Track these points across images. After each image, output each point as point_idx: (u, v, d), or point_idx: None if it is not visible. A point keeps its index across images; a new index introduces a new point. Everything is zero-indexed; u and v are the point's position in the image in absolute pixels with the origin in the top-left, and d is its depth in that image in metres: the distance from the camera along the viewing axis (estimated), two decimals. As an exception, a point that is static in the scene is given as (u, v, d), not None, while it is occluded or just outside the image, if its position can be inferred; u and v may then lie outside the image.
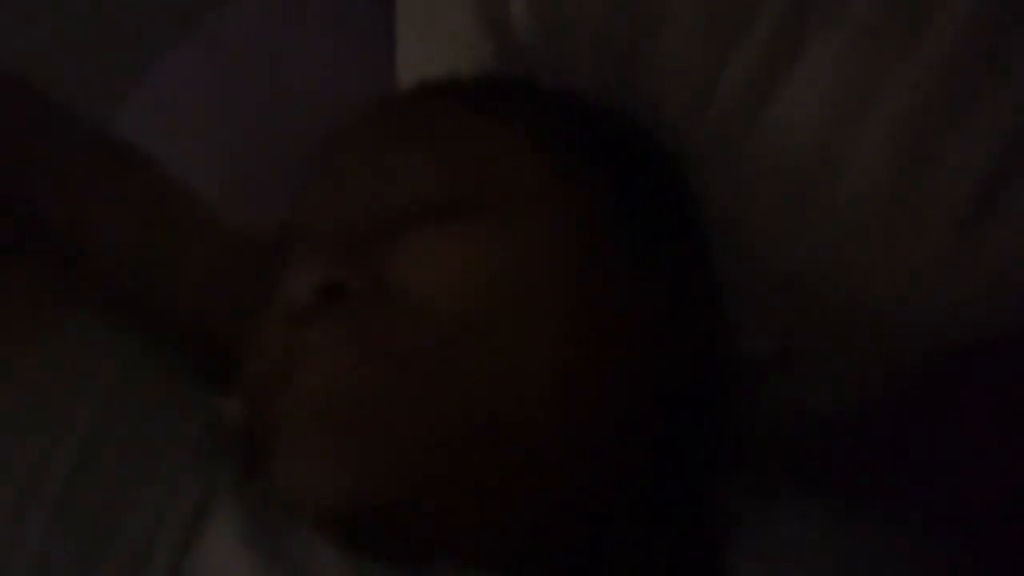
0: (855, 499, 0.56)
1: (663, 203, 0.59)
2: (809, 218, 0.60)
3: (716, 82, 0.62)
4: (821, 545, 0.52)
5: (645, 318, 0.54)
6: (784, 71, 0.60)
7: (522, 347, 0.49)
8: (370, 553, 0.48)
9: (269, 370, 0.52)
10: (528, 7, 0.64)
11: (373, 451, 0.47)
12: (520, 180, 0.54)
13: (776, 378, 0.61)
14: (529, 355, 0.50)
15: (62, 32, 0.99)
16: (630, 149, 0.60)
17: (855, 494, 0.56)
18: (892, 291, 0.59)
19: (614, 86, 0.63)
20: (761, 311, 0.60)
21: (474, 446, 0.48)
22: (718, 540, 0.53)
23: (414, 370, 0.48)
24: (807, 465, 0.58)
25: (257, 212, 0.64)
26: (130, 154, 0.63)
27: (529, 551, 0.50)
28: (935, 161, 0.58)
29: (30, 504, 0.48)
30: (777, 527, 0.53)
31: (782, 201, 0.60)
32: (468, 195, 0.53)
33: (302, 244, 0.54)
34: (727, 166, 0.61)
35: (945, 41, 0.58)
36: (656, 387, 0.54)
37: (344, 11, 0.79)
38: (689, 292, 0.57)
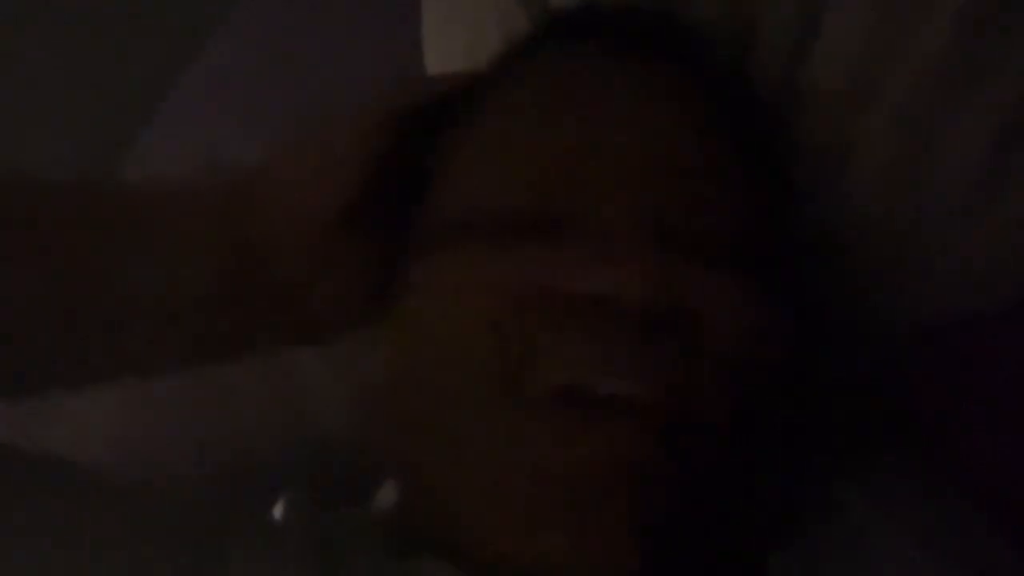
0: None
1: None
2: (840, 163, 0.58)
3: (755, 30, 0.60)
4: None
5: None
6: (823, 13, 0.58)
7: None
8: None
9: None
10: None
11: None
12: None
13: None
14: None
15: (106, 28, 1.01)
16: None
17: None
18: (913, 247, 0.58)
19: None
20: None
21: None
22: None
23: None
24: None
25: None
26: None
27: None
28: (961, 105, 0.56)
29: None
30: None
31: (820, 144, 0.58)
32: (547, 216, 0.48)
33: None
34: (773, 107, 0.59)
35: None
36: None
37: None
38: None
